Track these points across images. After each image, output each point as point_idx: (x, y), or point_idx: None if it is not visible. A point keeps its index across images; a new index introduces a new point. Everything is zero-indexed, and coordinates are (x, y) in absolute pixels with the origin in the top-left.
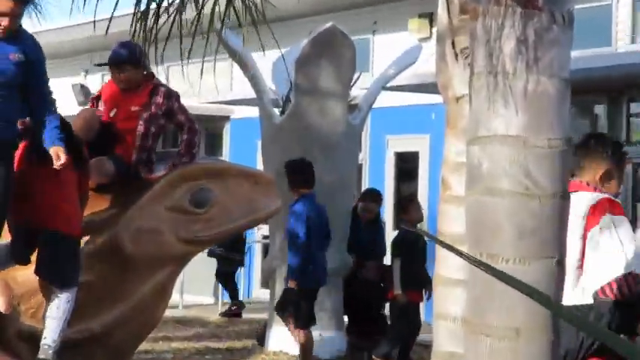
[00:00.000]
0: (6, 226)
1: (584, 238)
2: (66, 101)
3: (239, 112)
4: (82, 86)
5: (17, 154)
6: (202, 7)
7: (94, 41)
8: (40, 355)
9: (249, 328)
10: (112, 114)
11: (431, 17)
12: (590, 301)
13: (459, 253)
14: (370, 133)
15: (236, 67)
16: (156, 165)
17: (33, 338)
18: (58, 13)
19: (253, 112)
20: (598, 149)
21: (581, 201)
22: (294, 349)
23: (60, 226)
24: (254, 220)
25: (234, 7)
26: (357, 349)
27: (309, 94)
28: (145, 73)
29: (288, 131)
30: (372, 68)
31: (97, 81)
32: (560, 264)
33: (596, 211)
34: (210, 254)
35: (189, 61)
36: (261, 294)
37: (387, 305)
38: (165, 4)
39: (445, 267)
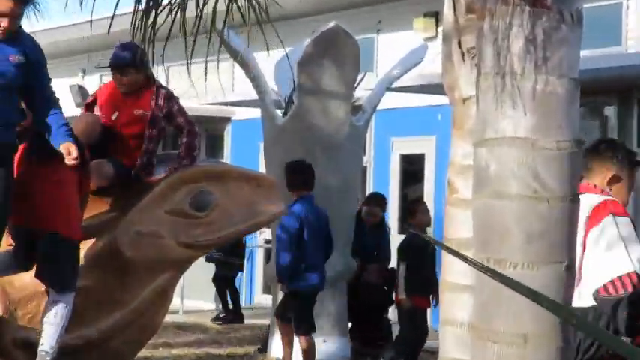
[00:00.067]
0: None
1: (583, 245)
2: (63, 102)
3: (240, 114)
4: (80, 87)
5: (17, 155)
6: (204, 6)
7: (92, 41)
8: None
9: (251, 334)
10: (113, 117)
11: (437, 16)
12: (587, 304)
13: (465, 259)
14: (375, 134)
15: (237, 67)
16: (156, 168)
17: (30, 345)
18: (55, 11)
19: (255, 113)
20: (608, 153)
21: (584, 205)
22: (297, 356)
23: (60, 228)
24: (255, 224)
25: (238, 6)
26: (360, 356)
27: (312, 95)
28: (146, 75)
29: (291, 133)
30: (376, 68)
31: (95, 81)
32: (570, 269)
33: (598, 211)
34: (208, 259)
35: (191, 61)
36: (263, 299)
37: (394, 310)
38: (165, 3)
39: (452, 272)
